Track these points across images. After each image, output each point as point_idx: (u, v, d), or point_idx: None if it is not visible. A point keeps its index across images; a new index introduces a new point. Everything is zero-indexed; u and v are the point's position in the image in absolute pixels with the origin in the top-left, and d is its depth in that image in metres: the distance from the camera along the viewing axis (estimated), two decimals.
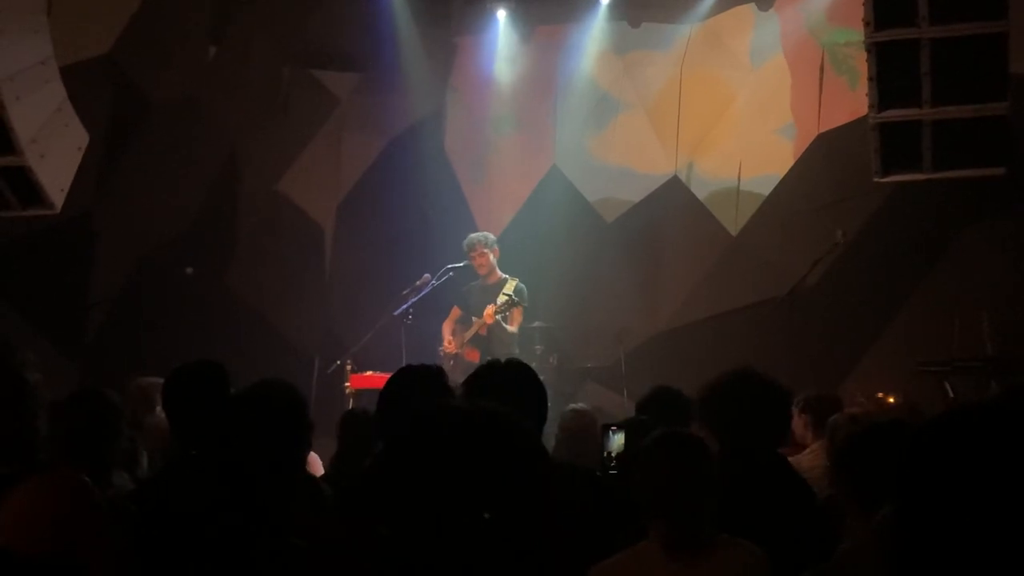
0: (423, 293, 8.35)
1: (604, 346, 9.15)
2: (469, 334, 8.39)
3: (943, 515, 1.40)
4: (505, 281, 8.39)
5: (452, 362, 8.21)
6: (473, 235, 8.53)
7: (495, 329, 8.18)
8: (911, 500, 1.43)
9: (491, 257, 8.41)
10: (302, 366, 9.05)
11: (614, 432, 3.80)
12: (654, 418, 3.95)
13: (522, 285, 8.37)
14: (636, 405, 4.61)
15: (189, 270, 9.60)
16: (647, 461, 2.92)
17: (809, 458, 4.90)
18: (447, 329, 8.63)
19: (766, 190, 9.38)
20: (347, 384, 8.22)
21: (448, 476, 1.30)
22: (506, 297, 8.22)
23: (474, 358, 8.15)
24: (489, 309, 8.15)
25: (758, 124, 9.44)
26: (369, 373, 8.25)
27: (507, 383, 3.22)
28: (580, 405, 5.03)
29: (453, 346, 8.45)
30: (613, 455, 3.78)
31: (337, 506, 3.49)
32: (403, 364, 3.55)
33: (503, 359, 3.46)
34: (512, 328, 8.25)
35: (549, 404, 3.31)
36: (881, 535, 2.21)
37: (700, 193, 9.63)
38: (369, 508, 2.84)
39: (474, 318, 8.35)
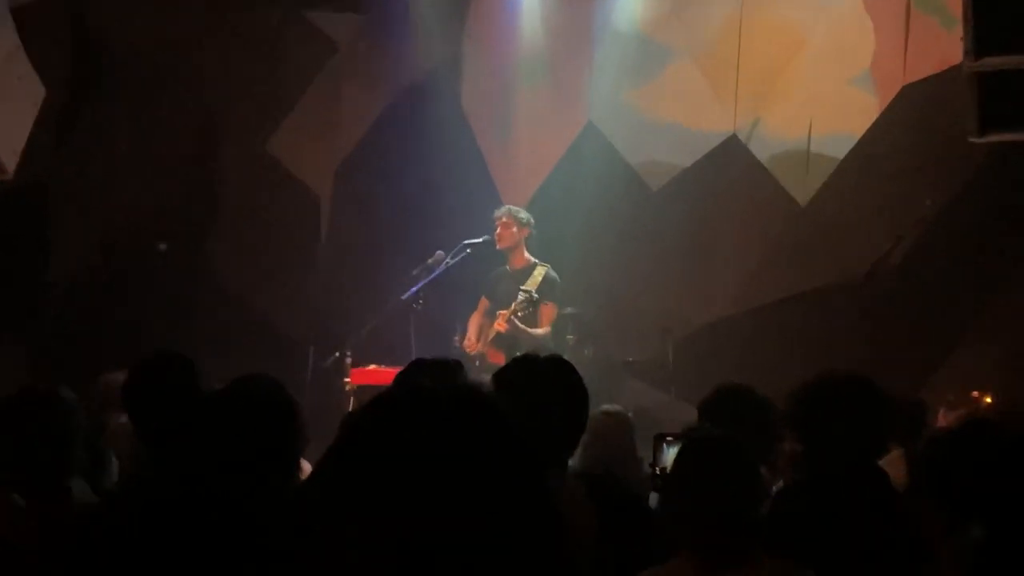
0: (436, 274, 8.35)
1: (648, 337, 9.15)
2: (490, 333, 8.33)
3: None
4: (534, 267, 8.32)
5: (478, 363, 8.15)
6: (509, 206, 8.55)
7: (518, 334, 8.04)
8: (1009, 519, 1.37)
9: (515, 232, 8.35)
10: (294, 358, 9.10)
11: (669, 444, 3.67)
12: (725, 426, 3.89)
13: (553, 273, 8.27)
14: (698, 408, 4.51)
15: (162, 246, 9.66)
16: (679, 467, 2.95)
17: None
18: (474, 324, 8.55)
19: (841, 152, 9.33)
20: (347, 380, 8.26)
21: (404, 467, 1.31)
22: (526, 294, 8.05)
23: (499, 361, 7.99)
24: (501, 319, 8.10)
25: (832, 74, 9.38)
26: (372, 367, 8.29)
27: (541, 382, 3.23)
28: (613, 406, 5.01)
29: (474, 344, 8.38)
30: (668, 471, 3.73)
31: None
32: (413, 357, 3.57)
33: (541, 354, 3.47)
34: (541, 330, 8.13)
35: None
36: (963, 556, 2.20)
37: (762, 155, 9.59)
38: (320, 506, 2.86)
39: (499, 312, 8.28)
